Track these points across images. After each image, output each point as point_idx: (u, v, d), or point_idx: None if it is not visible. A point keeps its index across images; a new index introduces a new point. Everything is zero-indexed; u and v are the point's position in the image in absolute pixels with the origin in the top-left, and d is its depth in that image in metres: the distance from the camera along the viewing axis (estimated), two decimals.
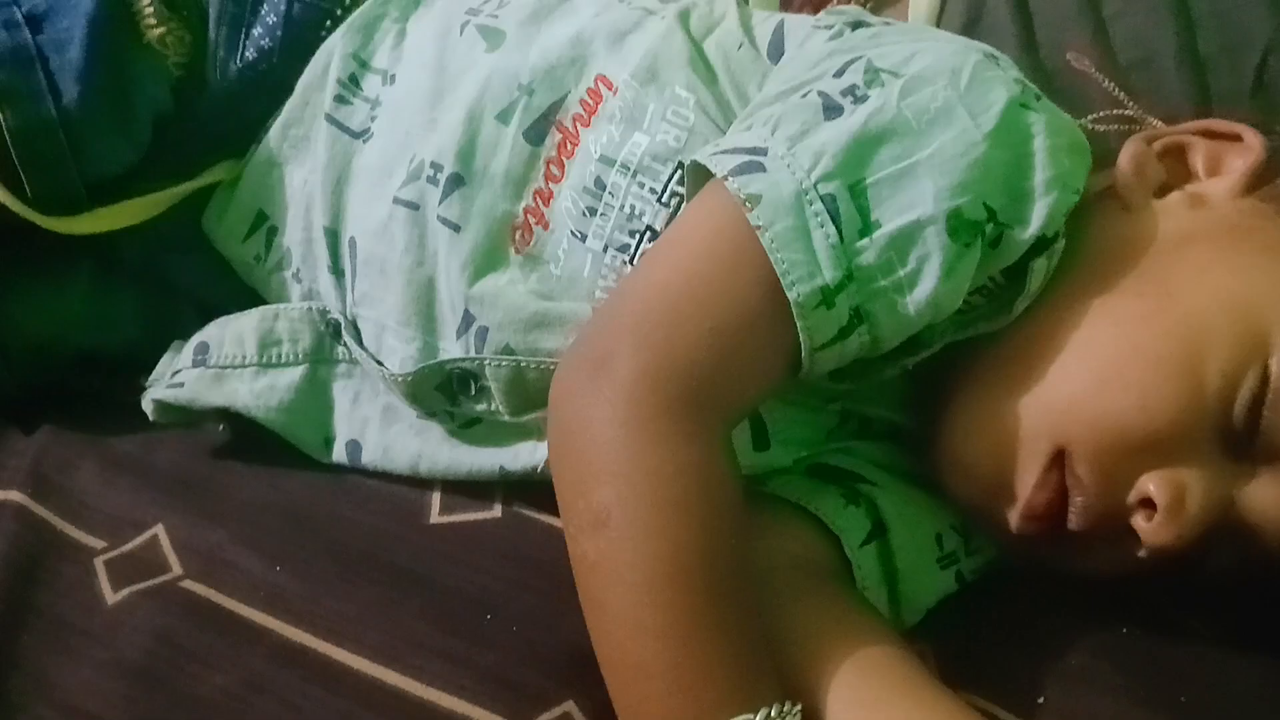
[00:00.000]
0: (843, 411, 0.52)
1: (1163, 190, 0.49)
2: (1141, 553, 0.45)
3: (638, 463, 0.40)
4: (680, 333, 0.42)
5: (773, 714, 0.38)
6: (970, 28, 0.67)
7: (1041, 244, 0.45)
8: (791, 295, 0.42)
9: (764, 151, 0.44)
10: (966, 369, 0.48)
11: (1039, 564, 0.49)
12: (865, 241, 0.43)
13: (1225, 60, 0.62)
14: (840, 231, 0.42)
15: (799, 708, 0.39)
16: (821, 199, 0.42)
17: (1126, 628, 0.48)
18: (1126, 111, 0.54)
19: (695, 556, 0.40)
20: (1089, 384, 0.44)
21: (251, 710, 0.45)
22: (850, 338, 0.44)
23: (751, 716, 0.38)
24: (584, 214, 0.51)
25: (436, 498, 0.55)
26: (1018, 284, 0.46)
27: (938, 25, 0.67)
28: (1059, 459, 0.45)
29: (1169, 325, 0.44)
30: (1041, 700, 0.45)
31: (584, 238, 0.51)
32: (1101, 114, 0.54)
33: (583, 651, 0.43)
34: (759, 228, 0.42)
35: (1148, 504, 0.44)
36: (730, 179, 0.43)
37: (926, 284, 0.43)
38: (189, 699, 0.45)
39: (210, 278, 0.60)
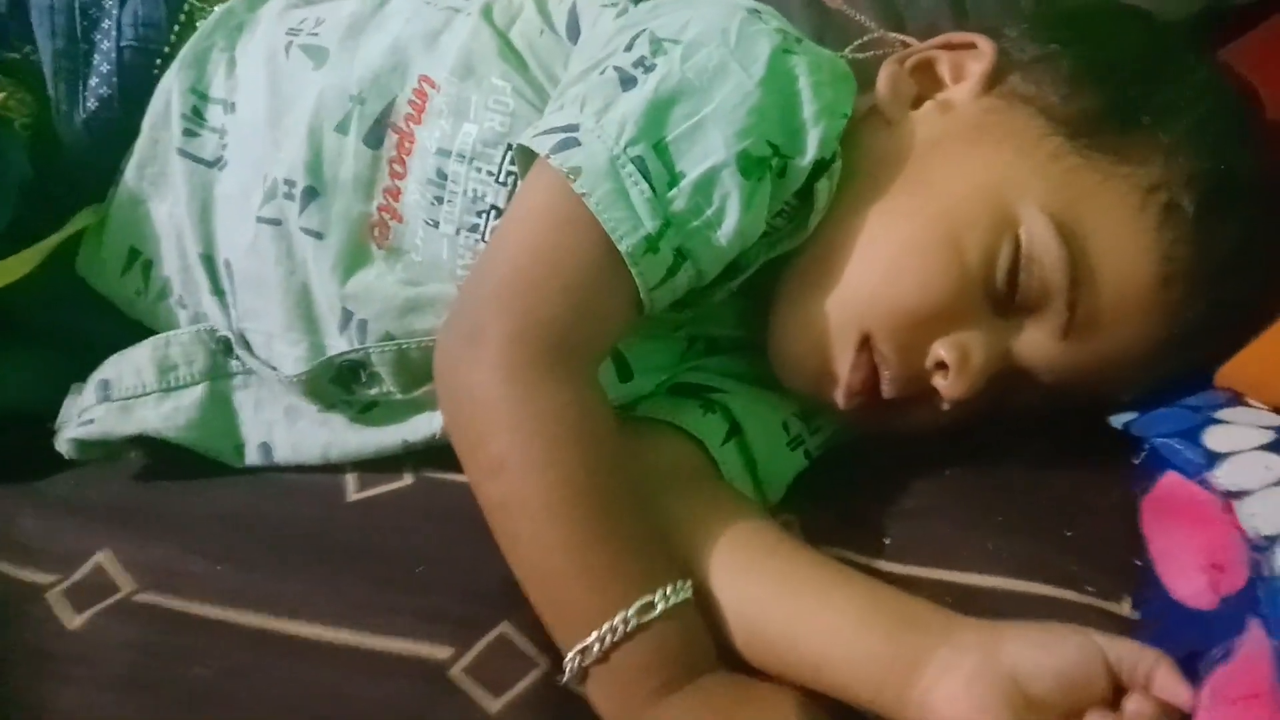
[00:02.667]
0: (689, 336, 0.60)
1: (917, 102, 0.57)
2: (945, 406, 0.54)
3: (522, 410, 0.47)
4: (537, 295, 0.49)
5: (668, 591, 0.46)
6: None
7: (821, 167, 0.53)
8: (622, 247, 0.49)
9: (576, 128, 0.50)
10: (782, 282, 0.56)
11: (874, 431, 0.58)
12: (675, 191, 0.50)
13: None
14: (652, 187, 0.49)
15: (688, 582, 0.47)
16: (632, 161, 0.49)
17: (949, 469, 0.58)
18: (875, 36, 0.62)
19: (584, 477, 0.47)
20: (878, 276, 0.53)
21: (238, 695, 0.49)
22: (678, 274, 0.51)
23: (651, 596, 0.46)
24: (432, 203, 0.57)
25: (351, 478, 0.60)
26: (809, 204, 0.54)
27: None
28: (865, 343, 0.53)
29: (933, 216, 0.53)
30: (887, 540, 0.54)
31: (436, 224, 0.57)
32: (861, 41, 0.62)
33: (508, 582, 0.49)
34: (584, 195, 0.49)
35: (942, 366, 0.53)
36: (552, 156, 0.50)
37: (731, 218, 0.51)
38: (177, 697, 0.48)
39: (107, 321, 0.64)
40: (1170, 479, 0.50)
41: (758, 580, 0.49)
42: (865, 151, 0.56)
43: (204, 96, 0.62)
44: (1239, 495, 0.46)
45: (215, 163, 0.61)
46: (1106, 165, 0.52)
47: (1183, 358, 0.54)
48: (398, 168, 0.57)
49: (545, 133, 0.51)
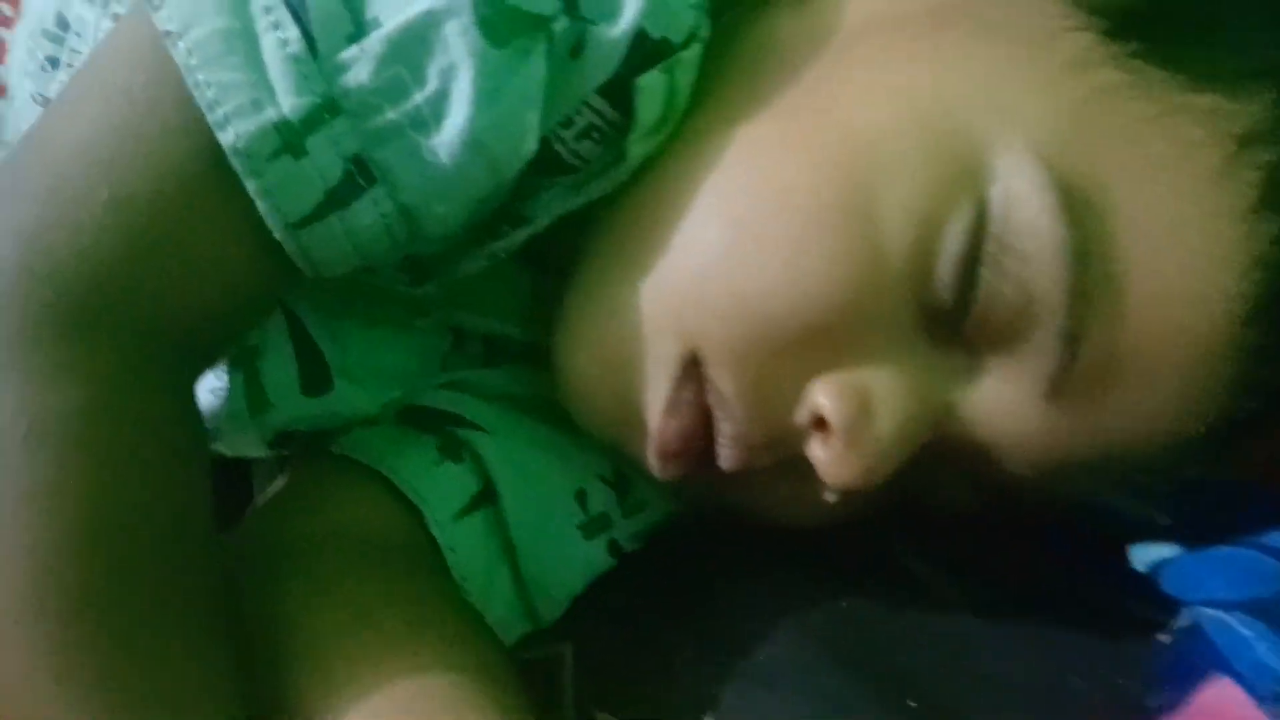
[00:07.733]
0: (455, 329, 0.37)
1: None
2: (829, 495, 0.31)
3: None
4: (63, 210, 0.27)
5: None
6: None
7: (655, 50, 0.30)
8: (224, 138, 0.27)
9: None
10: (584, 254, 0.33)
11: (723, 515, 0.35)
12: (353, 51, 0.27)
13: None
14: (309, 37, 0.27)
15: None
16: None
17: (844, 597, 0.35)
18: None
19: (78, 544, 0.26)
20: (717, 252, 0.30)
21: None
22: (355, 208, 0.28)
23: None
24: (43, 68, 0.35)
25: None
26: (632, 117, 0.31)
27: None
28: (693, 368, 0.30)
29: (825, 152, 0.29)
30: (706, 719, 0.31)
31: (46, 102, 0.35)
32: None
33: None
34: (170, 34, 0.27)
35: (822, 424, 0.30)
36: None
37: (459, 113, 0.28)
38: None
39: None
40: (1220, 691, 0.26)
41: None
42: (755, 43, 0.32)
43: None
44: None
45: None
46: (1168, 90, 0.29)
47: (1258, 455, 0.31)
48: (7, 10, 0.36)
49: None
